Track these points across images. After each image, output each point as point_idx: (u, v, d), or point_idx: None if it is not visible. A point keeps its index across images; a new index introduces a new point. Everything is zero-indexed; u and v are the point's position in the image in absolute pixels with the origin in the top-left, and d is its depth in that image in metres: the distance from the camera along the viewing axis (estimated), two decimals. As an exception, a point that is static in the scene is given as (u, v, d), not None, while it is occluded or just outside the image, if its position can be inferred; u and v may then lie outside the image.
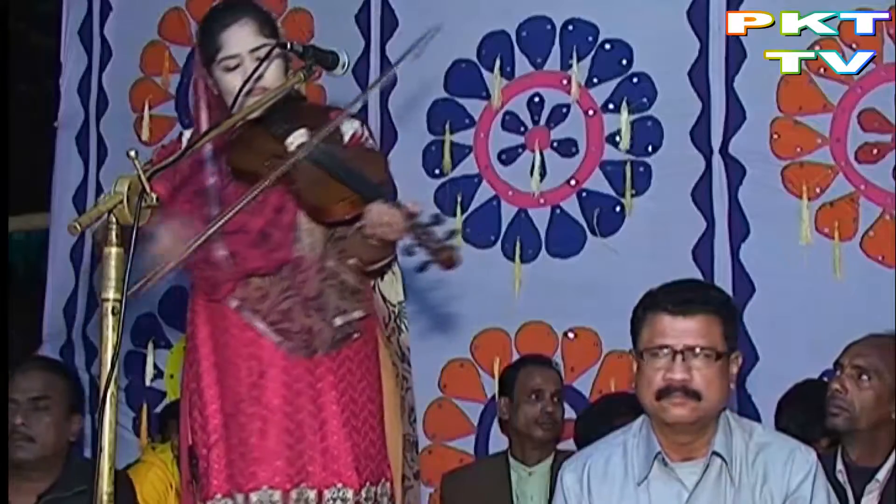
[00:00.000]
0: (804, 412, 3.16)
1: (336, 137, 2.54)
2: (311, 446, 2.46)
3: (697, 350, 2.33)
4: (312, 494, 2.44)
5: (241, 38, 2.47)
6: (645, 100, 4.01)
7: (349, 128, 2.59)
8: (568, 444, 3.70)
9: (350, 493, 2.45)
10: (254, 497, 2.43)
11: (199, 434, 2.53)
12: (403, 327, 2.68)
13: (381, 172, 2.47)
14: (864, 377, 2.83)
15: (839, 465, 2.85)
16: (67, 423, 3.03)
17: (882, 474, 2.83)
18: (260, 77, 2.43)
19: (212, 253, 2.45)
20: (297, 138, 2.48)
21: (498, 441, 4.01)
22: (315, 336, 2.48)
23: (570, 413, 3.81)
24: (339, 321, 2.50)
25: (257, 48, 2.45)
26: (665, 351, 2.34)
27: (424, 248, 2.27)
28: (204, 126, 2.54)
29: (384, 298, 2.65)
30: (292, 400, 2.47)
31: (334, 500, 2.44)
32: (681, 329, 2.34)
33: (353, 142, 2.57)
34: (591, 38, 4.09)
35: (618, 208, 4.01)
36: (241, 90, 2.34)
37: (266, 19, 2.52)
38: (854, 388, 2.83)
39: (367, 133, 2.62)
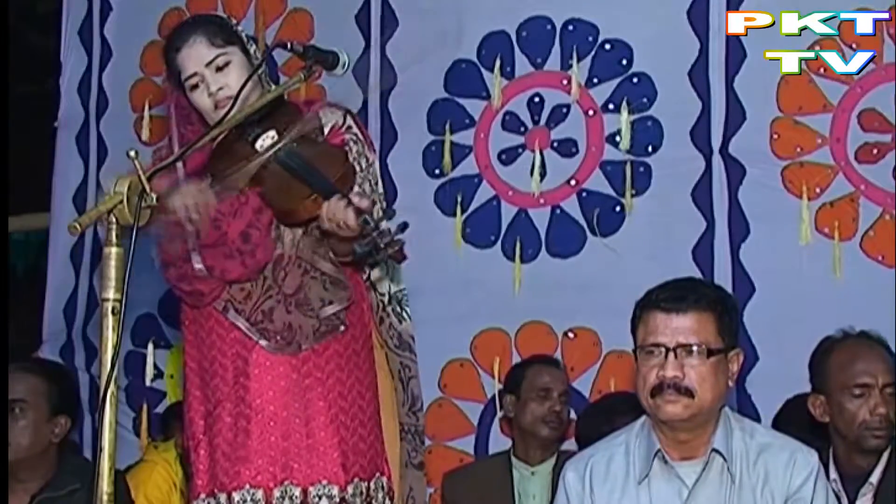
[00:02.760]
0: (804, 430, 3.12)
1: (315, 131, 2.56)
2: (296, 444, 2.46)
3: (690, 347, 2.34)
4: (297, 492, 2.45)
5: (194, 57, 2.49)
6: (645, 100, 4.01)
7: (329, 119, 2.59)
8: (569, 444, 3.70)
9: (335, 490, 2.45)
10: (236, 496, 2.44)
11: (188, 436, 2.57)
12: (405, 315, 2.67)
13: (340, 167, 2.46)
14: (889, 390, 2.82)
15: (833, 474, 2.84)
16: (49, 426, 3.01)
17: (875, 477, 2.82)
18: (224, 87, 2.45)
19: (190, 268, 2.47)
20: (265, 140, 2.51)
21: (498, 441, 4.01)
22: (296, 332, 2.49)
23: (569, 413, 3.81)
24: (326, 311, 2.50)
25: (212, 60, 2.48)
26: (658, 349, 2.36)
27: (374, 243, 2.25)
28: (180, 139, 2.57)
29: (374, 288, 2.65)
30: (277, 398, 2.47)
31: (319, 496, 2.45)
32: (673, 327, 2.36)
33: (332, 133, 2.57)
34: (591, 38, 4.09)
35: (618, 208, 4.01)
36: (225, 115, 2.36)
37: (217, 29, 2.53)
38: (889, 406, 2.81)
39: (350, 122, 2.61)
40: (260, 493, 2.44)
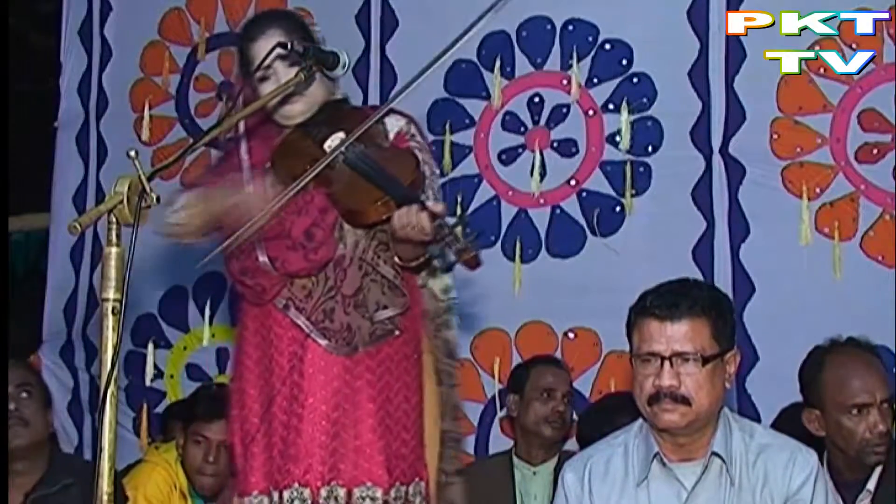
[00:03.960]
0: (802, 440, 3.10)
1: (380, 136, 2.57)
2: (343, 444, 2.47)
3: (686, 356, 2.33)
4: (342, 492, 2.46)
5: (268, 50, 2.50)
6: (645, 100, 4.01)
7: (394, 125, 2.61)
8: (571, 444, 3.70)
9: (379, 493, 2.46)
10: (286, 494, 2.46)
11: (237, 431, 2.57)
12: (452, 322, 2.68)
13: (412, 173, 2.48)
14: (886, 405, 2.80)
15: (829, 483, 2.83)
16: (48, 413, 3.08)
17: (872, 483, 2.81)
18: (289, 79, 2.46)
19: (253, 261, 2.49)
20: (333, 140, 2.52)
21: (498, 441, 4.01)
22: (355, 333, 2.50)
23: (570, 413, 3.81)
24: (380, 315, 2.52)
25: (286, 55, 2.49)
26: (654, 358, 2.35)
27: (449, 248, 2.29)
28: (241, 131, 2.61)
29: (434, 294, 2.66)
30: (329, 398, 2.49)
31: (363, 498, 2.46)
32: (668, 335, 2.34)
33: (397, 139, 2.59)
34: (591, 38, 4.09)
35: (618, 208, 4.01)
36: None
37: (294, 26, 2.56)
38: (886, 421, 2.78)
39: (413, 130, 2.63)
40: (307, 492, 2.46)
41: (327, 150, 2.50)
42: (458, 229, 2.29)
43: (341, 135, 2.51)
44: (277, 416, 2.50)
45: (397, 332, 2.54)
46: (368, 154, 2.47)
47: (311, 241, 2.48)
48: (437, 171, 2.68)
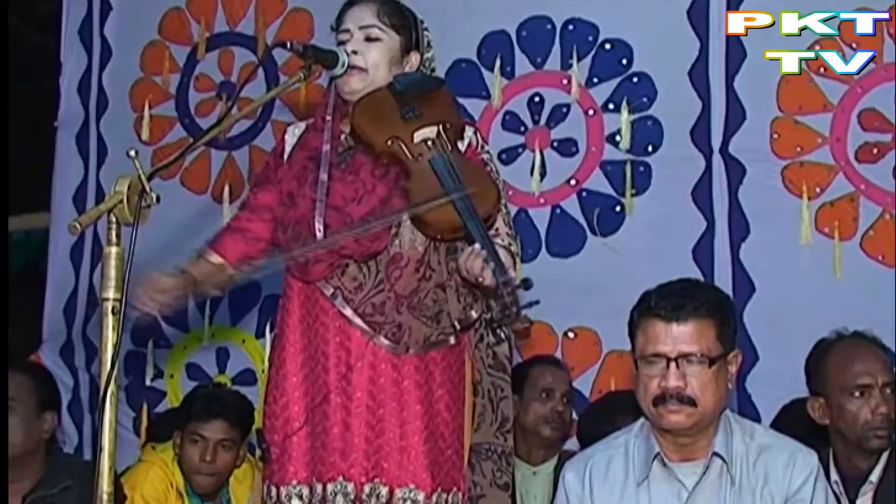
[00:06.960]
0: (801, 435, 3.10)
1: (460, 136, 2.56)
2: (388, 442, 2.45)
3: (691, 357, 2.34)
4: (384, 490, 2.44)
5: (356, 15, 2.56)
6: (645, 100, 4.01)
7: (466, 134, 2.60)
8: (571, 443, 3.70)
9: (421, 496, 2.44)
10: (330, 487, 2.45)
11: (274, 420, 2.54)
12: (503, 336, 2.66)
13: (491, 204, 2.44)
14: (888, 389, 2.81)
15: (834, 476, 2.83)
16: (38, 422, 3.03)
17: (875, 475, 2.82)
18: (358, 54, 2.52)
19: (308, 228, 2.47)
20: (425, 134, 2.49)
21: (498, 441, 4.01)
22: (405, 333, 2.47)
23: (570, 413, 3.81)
24: (438, 321, 2.49)
25: (367, 26, 2.53)
26: (659, 359, 2.35)
27: (506, 309, 2.22)
28: (331, 98, 2.63)
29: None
30: (375, 394, 2.47)
31: (405, 500, 2.44)
32: (674, 336, 2.35)
33: (469, 150, 2.57)
34: (591, 38, 4.09)
35: (618, 208, 4.00)
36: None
37: (393, 11, 2.59)
38: (889, 405, 2.79)
39: (480, 140, 2.62)
40: (351, 487, 2.44)
41: (417, 139, 2.47)
42: (519, 293, 2.21)
43: (434, 129, 2.48)
44: (323, 408, 2.47)
45: (452, 341, 2.52)
46: (455, 167, 2.41)
47: (366, 231, 2.44)
48: (502, 186, 2.64)
